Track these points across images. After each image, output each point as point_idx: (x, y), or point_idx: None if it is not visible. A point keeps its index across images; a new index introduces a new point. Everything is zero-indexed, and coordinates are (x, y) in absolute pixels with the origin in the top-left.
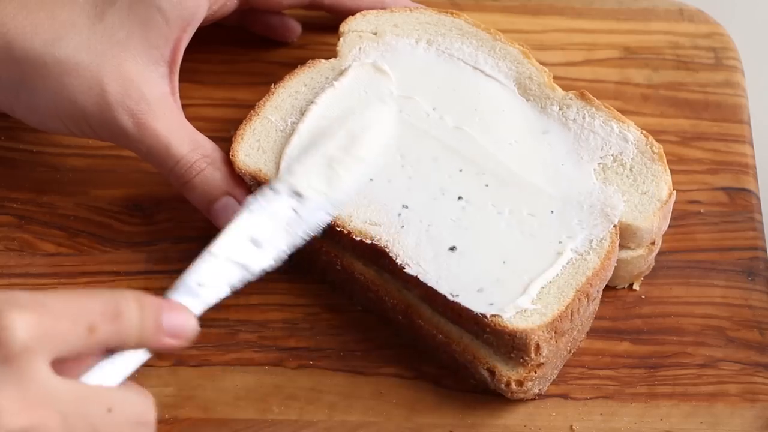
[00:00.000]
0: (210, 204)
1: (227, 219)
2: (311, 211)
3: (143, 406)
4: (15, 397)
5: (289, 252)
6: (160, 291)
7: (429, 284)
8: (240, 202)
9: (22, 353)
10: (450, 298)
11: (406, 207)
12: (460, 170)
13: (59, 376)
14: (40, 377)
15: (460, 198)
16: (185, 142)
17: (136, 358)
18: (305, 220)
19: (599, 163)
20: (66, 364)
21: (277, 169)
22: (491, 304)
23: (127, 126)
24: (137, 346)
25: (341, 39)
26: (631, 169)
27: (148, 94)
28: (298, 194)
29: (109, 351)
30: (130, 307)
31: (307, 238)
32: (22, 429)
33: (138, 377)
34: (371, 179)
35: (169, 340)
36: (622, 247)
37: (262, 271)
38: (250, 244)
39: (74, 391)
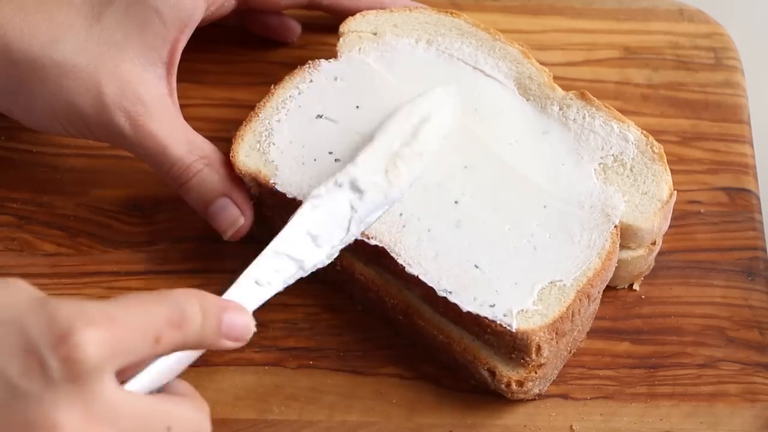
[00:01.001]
0: (207, 205)
1: (224, 220)
2: (368, 209)
3: (200, 422)
4: (79, 415)
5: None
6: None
7: (430, 284)
8: (237, 204)
9: (91, 371)
10: (451, 298)
11: (407, 207)
12: (461, 170)
13: (122, 390)
14: (106, 395)
15: (460, 198)
16: (182, 144)
17: (191, 356)
18: (361, 217)
19: (599, 163)
20: (126, 368)
21: (276, 169)
22: (492, 305)
23: (124, 127)
24: (197, 347)
25: (341, 39)
26: (631, 169)
27: (145, 96)
28: (358, 189)
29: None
30: (195, 311)
31: (359, 235)
32: None
33: None
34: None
35: (228, 342)
36: (622, 247)
37: (314, 268)
38: (309, 240)
39: (136, 409)
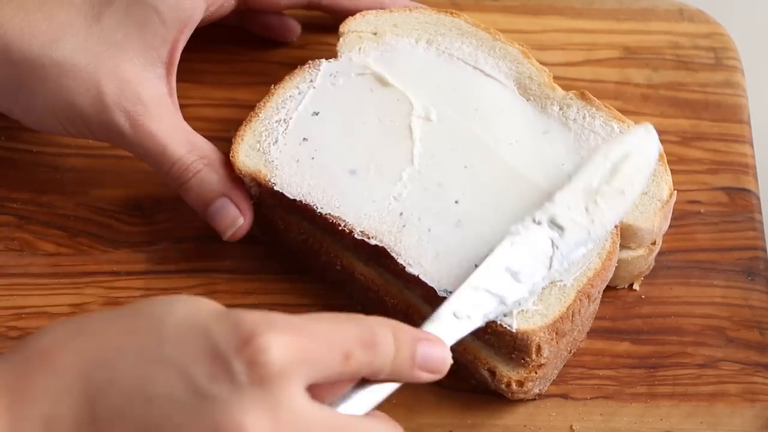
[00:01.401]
0: (206, 206)
1: (223, 221)
2: (570, 246)
3: None
4: (266, 420)
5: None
6: (160, 291)
7: (430, 284)
8: (237, 204)
9: (278, 376)
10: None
11: (407, 207)
12: (461, 170)
13: (313, 402)
14: (294, 402)
15: (461, 198)
16: (182, 144)
17: (387, 388)
18: (564, 254)
19: None
20: (319, 390)
21: (276, 169)
22: None
23: (123, 127)
24: (390, 377)
25: (341, 39)
26: None
27: (145, 96)
28: (558, 226)
29: (361, 380)
30: (387, 336)
31: (564, 272)
32: None
33: None
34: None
35: (423, 374)
36: (622, 247)
37: (516, 304)
38: (508, 276)
39: (326, 421)
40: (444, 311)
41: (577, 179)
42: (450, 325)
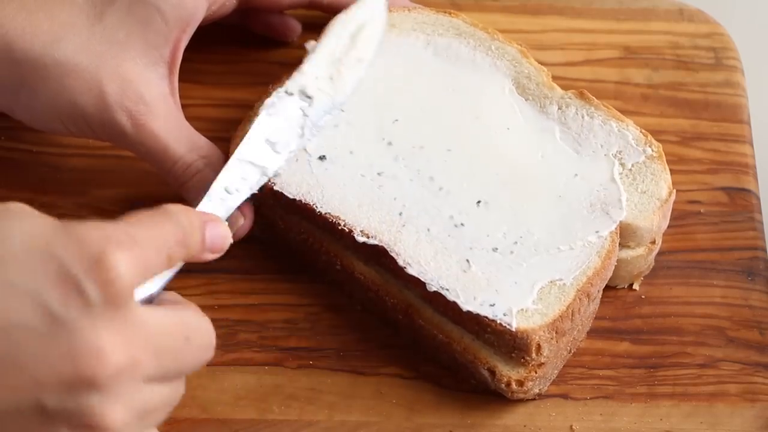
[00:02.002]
0: None
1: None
2: (319, 113)
3: (209, 331)
4: (121, 338)
5: (297, 151)
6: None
7: (429, 284)
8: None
9: (125, 292)
10: (450, 297)
11: (407, 206)
12: (460, 170)
13: (146, 307)
14: (138, 314)
15: (460, 197)
16: (183, 143)
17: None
18: (313, 122)
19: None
20: None
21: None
22: (492, 304)
23: (125, 127)
24: (184, 260)
25: None
26: (630, 168)
27: (147, 95)
28: (307, 96)
29: None
30: (192, 228)
31: (312, 138)
32: (124, 366)
33: None
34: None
35: (210, 255)
36: (622, 246)
37: (275, 173)
38: (268, 147)
39: (161, 325)
40: (216, 189)
41: (320, 51)
42: (223, 201)
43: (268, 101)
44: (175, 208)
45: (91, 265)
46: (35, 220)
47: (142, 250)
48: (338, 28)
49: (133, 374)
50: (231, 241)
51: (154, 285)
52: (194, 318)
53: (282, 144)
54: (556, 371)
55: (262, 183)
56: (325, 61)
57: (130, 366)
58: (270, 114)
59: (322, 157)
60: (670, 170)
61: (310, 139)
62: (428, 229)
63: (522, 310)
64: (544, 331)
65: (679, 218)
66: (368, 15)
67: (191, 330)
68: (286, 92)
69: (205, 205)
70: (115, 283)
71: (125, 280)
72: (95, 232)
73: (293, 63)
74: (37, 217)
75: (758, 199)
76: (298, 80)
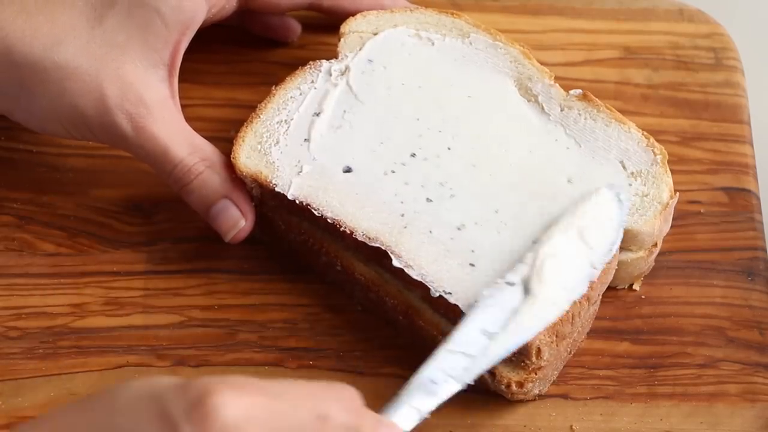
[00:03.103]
0: (208, 208)
1: (225, 222)
2: (542, 306)
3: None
4: None
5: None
6: (160, 291)
7: (430, 286)
8: (238, 206)
9: (224, 429)
10: (451, 300)
11: (408, 208)
12: (461, 171)
13: None
14: None
15: (461, 199)
16: (184, 146)
17: None
18: (536, 313)
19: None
20: None
21: (277, 171)
22: None
23: (125, 129)
24: None
25: (342, 39)
26: (631, 172)
27: (147, 98)
28: (529, 290)
29: None
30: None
31: (535, 334)
32: None
33: (138, 377)
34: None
35: None
36: (623, 249)
37: (494, 364)
38: (483, 337)
39: None
40: (423, 378)
41: (545, 241)
42: (431, 391)
43: (485, 291)
44: (344, 386)
45: (193, 406)
46: (160, 378)
47: (268, 398)
48: (564, 220)
49: None
50: None
51: None
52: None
53: (498, 333)
54: (556, 372)
55: (477, 374)
56: (549, 253)
57: None
58: (487, 306)
59: (347, 170)
60: (670, 170)
61: (532, 332)
62: (430, 231)
63: None
64: (544, 335)
65: (679, 218)
66: (603, 207)
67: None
68: (507, 283)
69: (410, 394)
70: (214, 423)
71: (229, 420)
72: (209, 378)
73: (293, 63)
74: (164, 376)
75: (758, 199)
76: (520, 271)
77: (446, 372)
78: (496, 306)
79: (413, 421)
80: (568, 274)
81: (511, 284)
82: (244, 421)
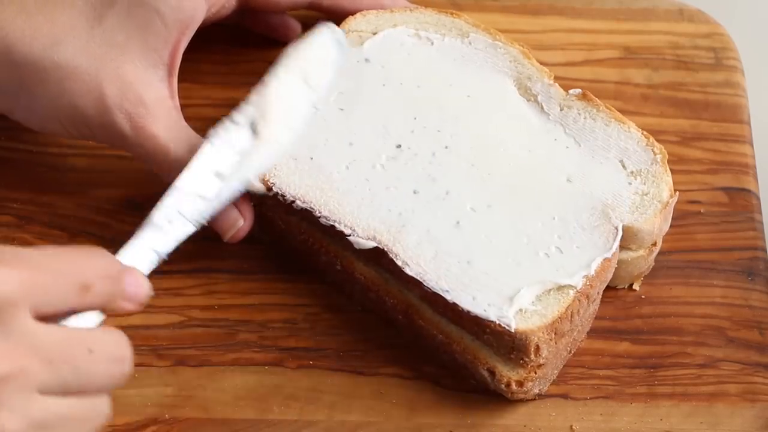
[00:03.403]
0: None
1: (224, 222)
2: (267, 145)
3: (120, 343)
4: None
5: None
6: (160, 291)
7: (428, 284)
8: (237, 206)
9: (4, 305)
10: (450, 298)
11: (406, 207)
12: (460, 170)
13: (38, 322)
14: (24, 326)
15: (460, 198)
16: (183, 145)
17: (91, 320)
18: (262, 153)
19: (600, 164)
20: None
21: (275, 170)
22: (492, 305)
23: (125, 129)
24: (102, 302)
25: None
26: (631, 171)
27: (147, 98)
28: (256, 131)
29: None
30: (113, 266)
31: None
32: (8, 374)
33: (138, 377)
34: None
35: (127, 303)
36: (622, 248)
37: (225, 203)
38: (213, 177)
39: (55, 335)
40: (156, 217)
41: (269, 87)
42: (164, 230)
43: (211, 130)
44: (96, 249)
45: None
46: None
47: (33, 270)
48: (289, 62)
49: (23, 383)
50: (152, 293)
51: (87, 321)
52: (100, 331)
53: (228, 173)
54: (556, 371)
55: (210, 213)
56: (275, 98)
57: (15, 374)
58: (214, 144)
59: (345, 169)
60: (670, 170)
61: (258, 170)
62: (428, 230)
63: (521, 311)
64: (543, 333)
65: (679, 218)
66: (320, 50)
67: (95, 342)
68: (232, 122)
69: (144, 233)
70: None
71: (7, 295)
72: None
73: None
74: None
75: (758, 199)
76: (247, 111)
77: (180, 212)
78: (225, 147)
79: (151, 263)
80: (292, 114)
81: (236, 123)
82: (11, 290)
